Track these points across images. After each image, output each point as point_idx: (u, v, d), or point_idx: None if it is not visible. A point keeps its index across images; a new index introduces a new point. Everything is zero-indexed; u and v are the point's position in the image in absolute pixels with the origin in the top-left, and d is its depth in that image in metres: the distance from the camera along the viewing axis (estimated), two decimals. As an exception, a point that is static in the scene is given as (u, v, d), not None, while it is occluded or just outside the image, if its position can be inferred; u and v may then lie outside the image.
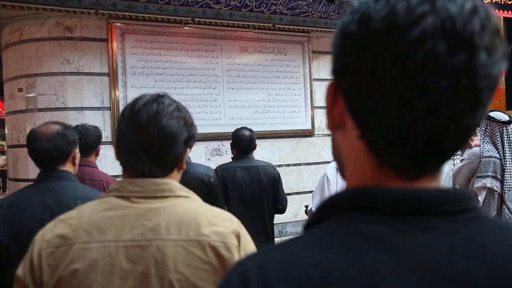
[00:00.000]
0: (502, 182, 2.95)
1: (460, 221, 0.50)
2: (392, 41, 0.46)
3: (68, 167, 1.72)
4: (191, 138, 1.05)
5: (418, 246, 0.47)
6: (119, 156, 1.02)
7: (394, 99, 0.47)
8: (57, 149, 1.65)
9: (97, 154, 2.62)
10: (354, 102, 0.51)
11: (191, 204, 1.00)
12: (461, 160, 3.29)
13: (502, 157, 2.99)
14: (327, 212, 0.53)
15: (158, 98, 1.03)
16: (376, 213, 0.49)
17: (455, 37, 0.45)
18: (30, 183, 1.79)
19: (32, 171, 5.00)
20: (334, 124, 0.55)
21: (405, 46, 0.45)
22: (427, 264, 0.46)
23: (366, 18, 0.48)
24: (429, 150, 0.49)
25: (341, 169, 0.60)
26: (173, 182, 1.02)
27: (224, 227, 0.97)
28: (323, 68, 6.70)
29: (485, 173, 2.98)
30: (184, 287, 0.91)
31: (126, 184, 0.98)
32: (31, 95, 5.10)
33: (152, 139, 0.98)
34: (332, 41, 0.54)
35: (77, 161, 1.78)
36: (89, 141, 2.37)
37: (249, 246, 1.00)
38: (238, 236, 0.98)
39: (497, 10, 8.23)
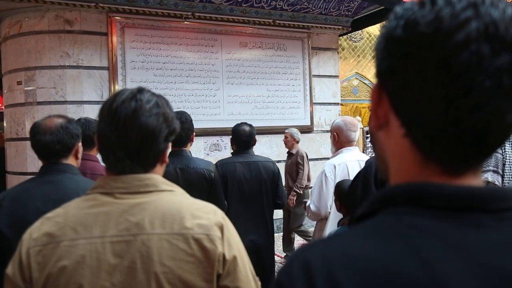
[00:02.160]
0: (502, 176, 2.96)
1: (508, 218, 0.51)
2: (438, 44, 0.48)
3: (71, 161, 1.71)
4: (172, 133, 1.04)
5: (471, 241, 0.49)
6: (100, 153, 1.03)
7: (439, 98, 0.49)
8: (60, 143, 1.65)
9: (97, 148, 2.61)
10: (399, 102, 0.53)
11: (174, 198, 1.01)
12: None
13: (503, 151, 3.00)
14: (379, 206, 0.54)
15: (137, 95, 1.00)
16: (429, 208, 0.51)
17: (498, 40, 0.48)
18: (29, 176, 1.79)
19: (31, 164, 5.00)
20: (378, 124, 0.57)
21: (450, 49, 0.48)
22: (480, 260, 0.48)
23: (412, 23, 0.51)
24: (473, 146, 0.51)
25: (384, 168, 0.61)
26: (156, 176, 1.02)
27: (207, 219, 0.98)
28: (323, 65, 6.70)
29: (486, 168, 2.99)
30: (169, 279, 0.92)
31: (110, 180, 0.99)
32: (30, 88, 5.09)
33: (131, 139, 0.97)
34: (376, 46, 0.57)
35: (79, 155, 1.78)
36: (91, 134, 2.36)
37: (233, 237, 1.01)
38: (221, 228, 0.99)
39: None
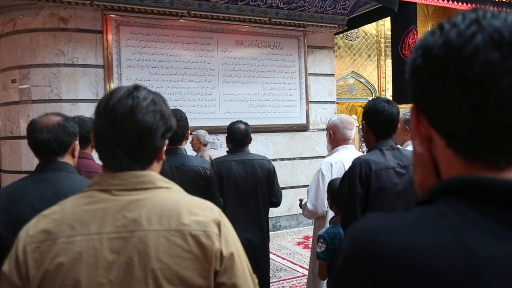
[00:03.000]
0: None
1: None
2: (452, 60, 0.56)
3: (67, 159, 1.71)
4: (169, 130, 1.04)
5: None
6: (97, 150, 1.03)
7: (466, 106, 0.55)
8: (57, 140, 1.65)
9: (93, 146, 2.61)
10: (434, 117, 0.60)
11: (172, 195, 1.01)
12: None
13: None
14: (437, 194, 0.59)
15: (133, 92, 1.00)
16: (481, 200, 0.55)
17: (505, 45, 0.54)
18: (24, 175, 1.78)
19: (26, 163, 4.98)
20: (423, 140, 0.63)
21: (463, 62, 0.55)
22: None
23: (427, 50, 0.59)
24: (508, 140, 0.55)
25: (420, 181, 0.67)
26: (153, 173, 1.02)
27: (204, 216, 0.98)
28: (319, 63, 6.71)
29: None
30: (167, 275, 0.92)
31: (107, 177, 0.99)
32: (25, 86, 5.06)
33: (128, 136, 0.97)
34: (407, 77, 0.65)
35: (76, 153, 1.77)
36: (85, 132, 2.36)
37: (230, 234, 1.01)
38: (218, 225, 0.99)
39: (495, 8, 8.27)
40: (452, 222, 0.54)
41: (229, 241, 1.00)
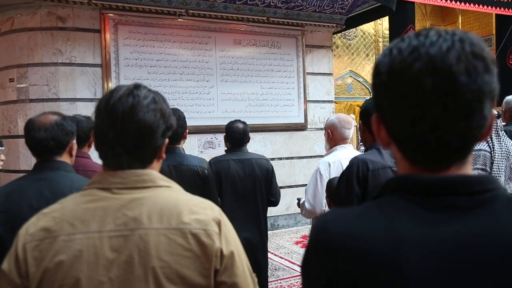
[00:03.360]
0: (490, 173, 3.01)
1: (478, 200, 0.66)
2: (395, 84, 0.67)
3: (65, 158, 1.70)
4: (169, 128, 1.05)
5: (441, 217, 0.65)
6: (97, 149, 1.03)
7: (407, 122, 0.67)
8: (54, 139, 1.64)
9: (90, 146, 2.61)
10: (387, 127, 0.72)
11: (172, 194, 1.01)
12: None
13: (492, 150, 3.04)
14: (382, 191, 0.73)
15: (134, 91, 1.00)
16: (411, 192, 0.68)
17: (437, 72, 0.63)
18: (22, 174, 1.78)
19: (23, 162, 4.97)
20: (383, 143, 0.75)
21: (404, 86, 0.66)
22: (446, 232, 0.64)
23: (377, 72, 0.71)
24: (441, 151, 0.68)
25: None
26: (153, 172, 1.03)
27: (205, 215, 0.99)
28: (317, 62, 6.71)
29: (474, 166, 3.03)
30: (167, 274, 0.93)
31: (107, 176, 0.99)
32: (23, 85, 5.05)
33: (129, 134, 0.97)
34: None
35: (74, 152, 1.77)
36: (81, 133, 2.36)
37: (230, 233, 1.01)
38: (219, 224, 0.99)
39: (493, 8, 8.22)
40: (385, 211, 0.68)
41: (229, 240, 1.00)
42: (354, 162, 2.09)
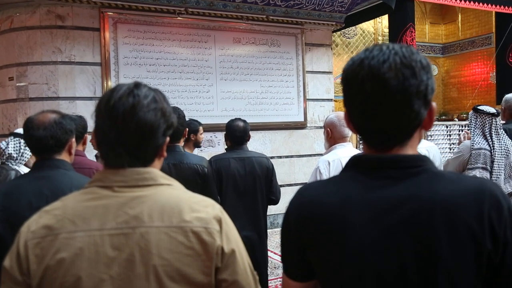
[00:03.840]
0: (491, 172, 3.01)
1: (408, 172, 0.89)
2: (349, 87, 0.92)
3: (64, 156, 1.70)
4: (170, 127, 1.05)
5: (379, 184, 0.89)
6: (98, 148, 1.03)
7: (358, 115, 0.92)
8: (53, 138, 1.64)
9: (84, 143, 2.63)
10: (350, 120, 0.95)
11: (173, 192, 1.02)
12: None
13: (492, 148, 3.05)
14: (346, 166, 0.98)
15: (134, 90, 1.00)
16: (363, 169, 0.94)
17: (374, 78, 0.87)
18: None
19: (23, 160, 4.96)
20: (353, 132, 0.97)
21: (354, 88, 0.90)
22: (380, 194, 0.88)
23: (342, 77, 0.94)
24: (382, 137, 0.91)
25: None
26: (154, 170, 1.03)
27: (206, 213, 0.99)
28: (316, 61, 6.71)
29: (475, 165, 3.04)
30: (168, 272, 0.93)
31: (109, 174, 1.00)
32: (22, 84, 5.05)
33: (130, 134, 0.98)
34: None
35: (73, 151, 1.77)
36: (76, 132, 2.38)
37: (231, 231, 1.02)
38: (219, 222, 1.00)
39: (493, 5, 8.21)
40: (341, 180, 0.96)
41: (230, 238, 1.00)
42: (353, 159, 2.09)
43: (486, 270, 0.84)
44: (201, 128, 3.45)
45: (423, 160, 0.91)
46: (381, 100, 0.87)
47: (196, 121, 3.50)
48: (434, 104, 0.91)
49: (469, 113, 3.30)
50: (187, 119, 2.87)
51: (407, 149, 0.92)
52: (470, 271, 0.83)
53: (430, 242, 0.83)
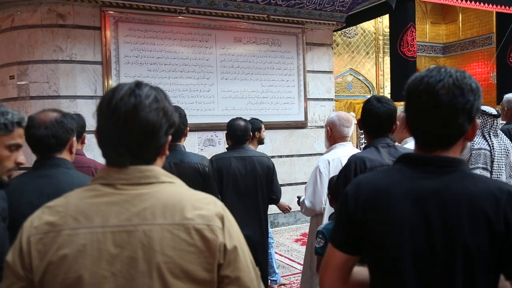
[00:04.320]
0: (491, 172, 3.02)
1: (446, 170, 1.11)
2: (409, 98, 1.16)
3: (65, 155, 1.71)
4: (172, 126, 1.05)
5: (421, 176, 1.12)
6: (100, 147, 1.03)
7: (414, 121, 1.15)
8: (54, 137, 1.65)
9: (83, 142, 2.64)
10: (408, 124, 1.20)
11: (175, 189, 1.02)
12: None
13: (491, 148, 3.06)
14: (397, 160, 1.22)
15: (135, 90, 1.00)
16: (410, 163, 1.16)
17: (429, 93, 1.09)
18: (22, 171, 1.78)
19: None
20: (409, 134, 1.25)
21: (413, 100, 1.14)
22: (421, 183, 1.11)
23: (405, 89, 1.18)
24: (429, 141, 1.14)
25: None
26: (157, 168, 1.03)
27: (208, 210, 1.00)
28: (317, 60, 6.71)
29: (475, 165, 3.04)
30: (171, 269, 0.94)
31: (111, 172, 1.00)
32: (23, 82, 5.05)
33: (132, 135, 0.98)
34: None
35: (74, 150, 1.77)
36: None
37: (233, 227, 1.03)
38: (222, 219, 1.00)
39: (494, 6, 8.19)
40: (391, 171, 1.21)
41: (233, 235, 1.01)
42: (352, 160, 2.10)
43: (499, 253, 1.04)
44: (263, 125, 3.77)
45: (459, 163, 1.13)
46: (433, 112, 1.09)
47: (258, 119, 3.85)
48: (478, 121, 1.15)
49: None
50: (190, 118, 2.87)
51: (449, 153, 1.13)
52: (486, 251, 1.03)
53: (455, 225, 1.05)
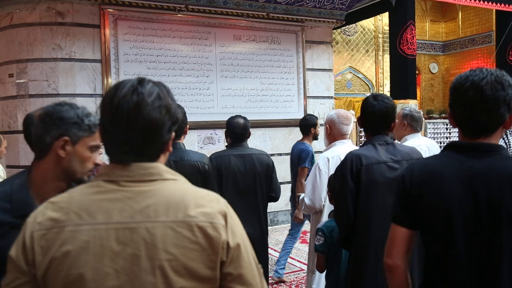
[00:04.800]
0: None
1: (489, 154, 1.33)
2: (456, 94, 1.39)
3: (64, 153, 1.71)
4: (175, 123, 1.05)
5: (467, 159, 1.33)
6: (104, 145, 1.03)
7: (460, 113, 1.37)
8: None
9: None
10: (453, 116, 1.40)
11: (178, 187, 1.02)
12: None
13: (508, 146, 3.09)
14: (445, 147, 1.43)
15: (138, 87, 1.00)
16: (457, 150, 1.38)
17: (474, 88, 1.32)
18: (22, 169, 1.78)
19: (23, 157, 4.97)
20: (452, 125, 1.43)
21: (459, 94, 1.37)
22: (468, 165, 1.33)
23: (451, 86, 1.44)
24: (474, 129, 1.35)
25: None
26: (160, 165, 1.03)
27: (211, 207, 0.99)
28: (317, 58, 6.70)
29: None
30: (174, 266, 0.93)
31: (114, 169, 1.00)
32: (22, 81, 5.05)
33: (135, 133, 0.98)
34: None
35: (73, 147, 1.77)
36: None
37: (236, 225, 1.02)
38: (225, 216, 1.00)
39: (493, 3, 8.19)
40: (440, 156, 1.43)
41: (236, 232, 1.00)
42: (348, 157, 2.11)
43: None
44: (318, 122, 4.05)
45: (500, 148, 1.35)
46: (478, 104, 1.31)
47: (314, 115, 4.16)
48: None
49: None
50: (189, 116, 2.87)
51: (491, 139, 1.35)
52: None
53: (498, 197, 1.27)
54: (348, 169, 2.07)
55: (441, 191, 1.34)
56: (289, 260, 4.93)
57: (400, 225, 1.43)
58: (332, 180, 2.41)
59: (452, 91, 1.39)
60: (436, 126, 8.81)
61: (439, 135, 8.74)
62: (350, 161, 2.08)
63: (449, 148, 1.41)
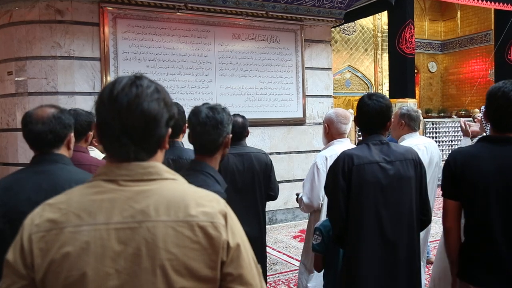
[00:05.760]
0: None
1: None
2: (492, 100, 1.96)
3: (63, 151, 1.70)
4: (172, 117, 1.06)
5: (499, 149, 1.90)
6: (102, 141, 1.02)
7: (493, 112, 1.94)
8: (52, 132, 1.64)
9: (86, 141, 2.57)
10: (487, 115, 1.99)
11: (178, 186, 1.02)
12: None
13: None
14: (478, 140, 2.05)
15: (136, 81, 1.01)
16: (490, 141, 1.96)
17: (505, 97, 1.90)
18: (20, 167, 1.78)
19: (22, 155, 4.97)
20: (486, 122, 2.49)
21: (494, 100, 1.95)
22: (500, 153, 1.88)
23: (488, 93, 2.00)
24: (505, 126, 1.91)
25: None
26: (159, 165, 1.03)
27: (211, 207, 1.00)
28: (315, 57, 6.70)
29: None
30: (175, 266, 0.94)
31: (113, 168, 1.00)
32: (21, 78, 5.04)
33: (135, 124, 0.97)
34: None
35: (72, 145, 1.77)
36: (78, 126, 2.34)
37: (235, 225, 1.03)
38: (225, 216, 1.01)
39: (492, 3, 8.19)
40: (475, 146, 2.03)
41: (235, 232, 1.01)
42: (340, 157, 2.12)
43: None
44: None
45: None
46: (507, 109, 1.83)
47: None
48: None
49: (482, 107, 3.32)
50: (188, 115, 2.87)
51: None
52: None
53: None
54: (340, 168, 2.08)
55: (479, 170, 1.85)
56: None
57: (450, 199, 1.97)
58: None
59: (488, 97, 1.91)
60: (434, 126, 8.83)
61: (438, 135, 8.75)
62: (342, 160, 2.09)
63: (483, 140, 1.97)
